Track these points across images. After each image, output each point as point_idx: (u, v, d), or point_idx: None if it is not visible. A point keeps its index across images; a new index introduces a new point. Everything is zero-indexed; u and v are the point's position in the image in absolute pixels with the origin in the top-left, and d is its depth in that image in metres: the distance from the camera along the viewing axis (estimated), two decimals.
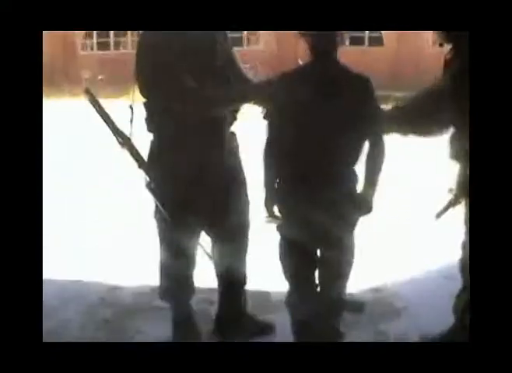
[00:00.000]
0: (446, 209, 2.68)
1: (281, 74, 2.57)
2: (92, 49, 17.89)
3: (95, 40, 17.76)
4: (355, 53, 16.46)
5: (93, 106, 2.84)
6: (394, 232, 4.82)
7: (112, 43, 18.26)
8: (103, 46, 18.02)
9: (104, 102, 2.88)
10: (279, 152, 2.53)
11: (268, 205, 2.59)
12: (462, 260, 2.78)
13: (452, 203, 2.65)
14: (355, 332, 3.06)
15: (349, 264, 2.61)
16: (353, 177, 2.58)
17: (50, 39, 12.69)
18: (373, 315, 3.39)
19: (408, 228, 4.93)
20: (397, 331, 3.33)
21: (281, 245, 2.63)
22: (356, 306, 2.73)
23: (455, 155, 2.63)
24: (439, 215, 2.72)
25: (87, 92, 2.85)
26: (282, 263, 2.64)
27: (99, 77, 13.13)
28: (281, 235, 2.62)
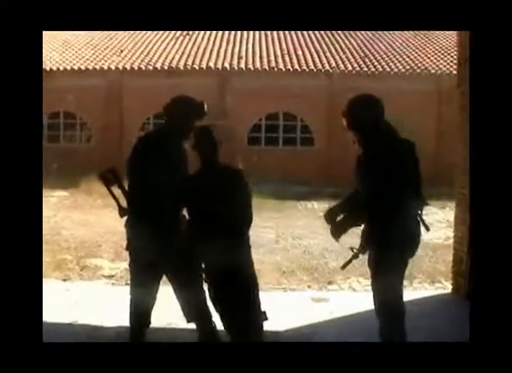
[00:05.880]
0: (349, 262, 3.28)
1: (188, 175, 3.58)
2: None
3: (45, 133, 17.76)
4: (288, 152, 17.23)
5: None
6: None
7: (62, 136, 18.43)
8: (54, 138, 18.09)
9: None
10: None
11: None
12: None
13: (354, 257, 3.26)
14: None
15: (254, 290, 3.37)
16: (246, 244, 3.42)
17: None
18: None
19: None
20: None
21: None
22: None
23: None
24: (344, 266, 3.33)
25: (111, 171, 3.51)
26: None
27: (54, 165, 13.50)
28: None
